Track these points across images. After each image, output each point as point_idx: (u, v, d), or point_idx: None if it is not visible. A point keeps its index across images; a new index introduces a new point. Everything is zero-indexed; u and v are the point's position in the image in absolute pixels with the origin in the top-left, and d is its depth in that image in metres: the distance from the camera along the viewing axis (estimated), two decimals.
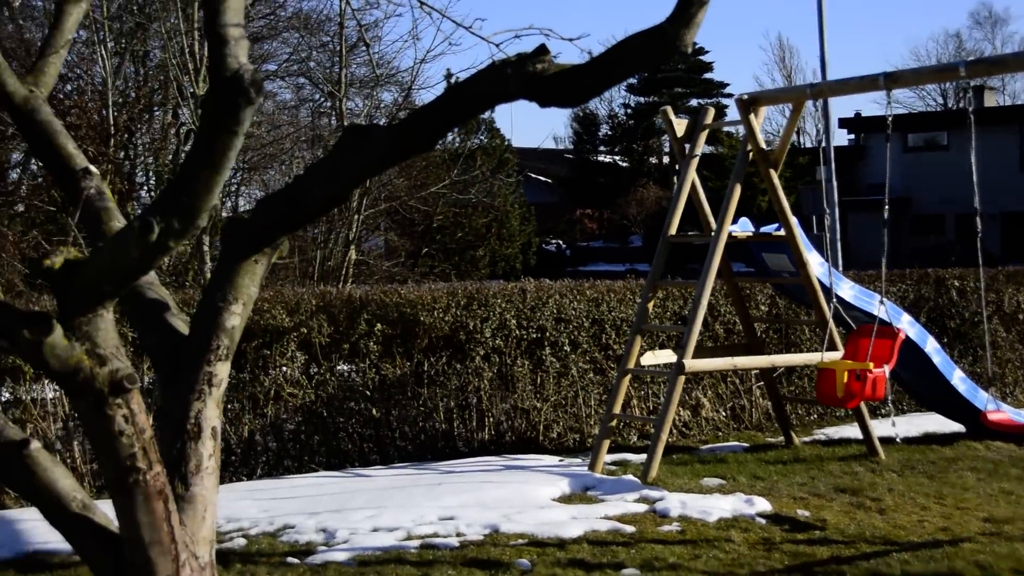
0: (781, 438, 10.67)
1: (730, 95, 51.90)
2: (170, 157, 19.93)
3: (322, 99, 24.94)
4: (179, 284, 15.99)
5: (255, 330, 9.65)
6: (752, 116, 9.49)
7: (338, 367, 10.26)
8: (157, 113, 21.17)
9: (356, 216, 19.91)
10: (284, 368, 9.98)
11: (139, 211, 18.04)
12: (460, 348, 10.52)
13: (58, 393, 8.90)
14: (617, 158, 55.00)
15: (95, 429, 4.02)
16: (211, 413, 4.48)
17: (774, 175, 9.63)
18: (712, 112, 10.03)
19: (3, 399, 8.82)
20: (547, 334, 10.82)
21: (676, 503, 8.01)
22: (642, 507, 8.04)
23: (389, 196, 23.13)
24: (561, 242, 48.78)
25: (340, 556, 6.93)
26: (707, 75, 53.77)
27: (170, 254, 3.98)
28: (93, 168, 4.86)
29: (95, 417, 3.96)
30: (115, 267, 3.90)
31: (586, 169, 53.88)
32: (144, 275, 4.33)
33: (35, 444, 4.15)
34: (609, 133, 55.82)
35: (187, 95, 16.84)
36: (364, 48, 22.08)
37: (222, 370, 4.53)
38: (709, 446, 10.59)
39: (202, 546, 4.28)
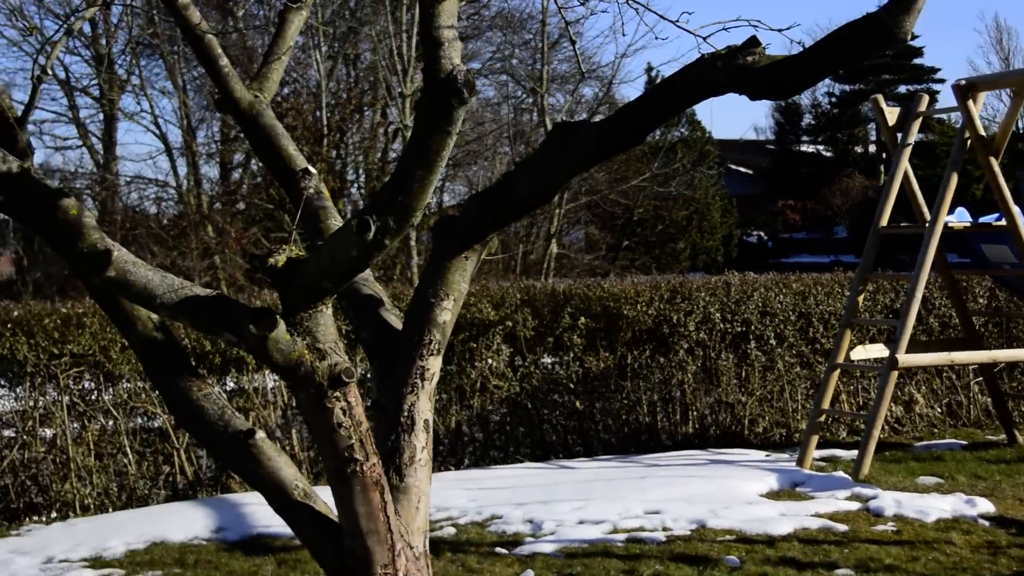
0: (1003, 436, 10.17)
1: (941, 80, 49.59)
2: (379, 155, 20.55)
3: (524, 95, 25.20)
4: (387, 278, 16.49)
5: (462, 323, 9.84)
6: (970, 102, 9.07)
7: (542, 360, 10.37)
8: (367, 113, 21.81)
9: (557, 210, 20.06)
10: (490, 360, 10.15)
11: (350, 208, 18.69)
12: (663, 341, 10.46)
13: (278, 383, 9.32)
14: (821, 148, 53.41)
15: (315, 421, 4.17)
16: (424, 406, 4.59)
17: (994, 163, 9.19)
18: (926, 99, 9.65)
19: (228, 388, 9.28)
20: (752, 328, 10.64)
21: (890, 502, 7.75)
22: (854, 505, 7.82)
23: (590, 190, 23.20)
24: (763, 234, 47.76)
25: (547, 548, 7.01)
26: (917, 60, 51.54)
27: (386, 251, 4.10)
28: (312, 168, 5.05)
29: (315, 409, 4.11)
30: (334, 265, 4.02)
31: (788, 159, 52.53)
32: (361, 272, 4.48)
33: (260, 434, 4.34)
34: (812, 123, 54.23)
35: (395, 95, 17.33)
36: (566, 44, 22.22)
37: (434, 364, 4.64)
38: (924, 443, 10.19)
39: (416, 536, 4.40)
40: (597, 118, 14.33)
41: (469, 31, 23.38)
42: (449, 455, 9.96)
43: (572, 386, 10.26)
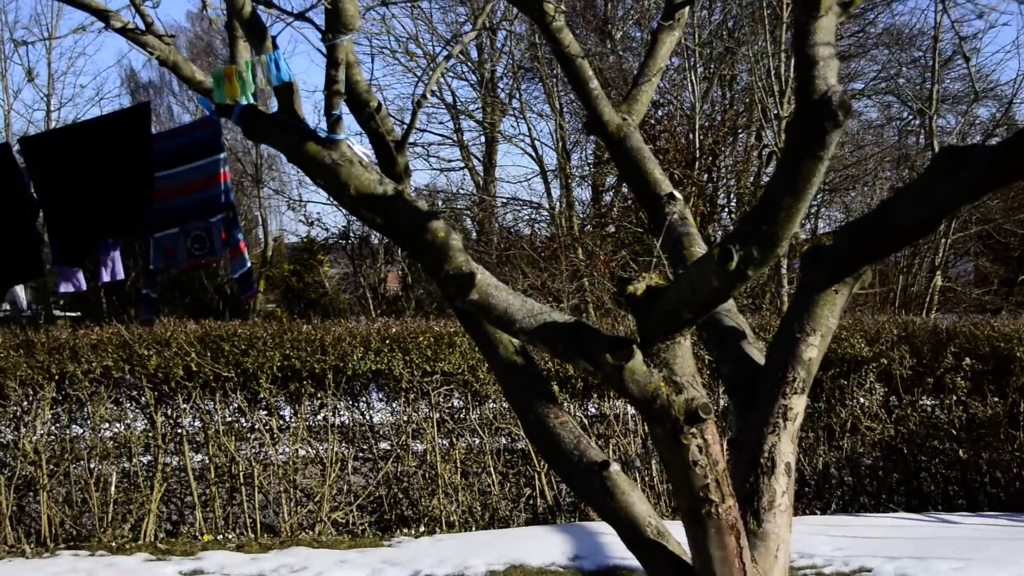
0: None
1: None
2: (751, 179, 20.14)
3: (910, 117, 23.88)
4: (755, 307, 16.06)
5: (832, 359, 9.39)
6: None
7: (920, 402, 9.69)
8: (741, 135, 21.46)
9: (943, 240, 18.84)
10: (861, 400, 9.62)
11: (720, 233, 18.41)
12: None
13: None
14: None
15: (669, 457, 4.00)
16: (785, 448, 4.31)
17: None
18: None
19: (590, 413, 9.31)
20: None
21: None
22: None
23: (981, 219, 21.60)
24: None
25: None
26: None
27: (749, 282, 3.86)
28: (677, 194, 4.90)
29: (669, 445, 3.94)
30: (694, 295, 3.85)
31: None
32: (722, 303, 4.26)
33: (615, 467, 4.22)
34: None
35: (771, 117, 16.90)
36: (959, 61, 20.84)
37: (797, 403, 4.34)
38: None
39: None
40: (993, 141, 13.27)
41: (852, 49, 22.48)
42: (815, 498, 9.50)
43: (954, 432, 9.51)
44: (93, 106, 29.66)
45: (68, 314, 25.28)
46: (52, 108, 27.56)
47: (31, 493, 9.20)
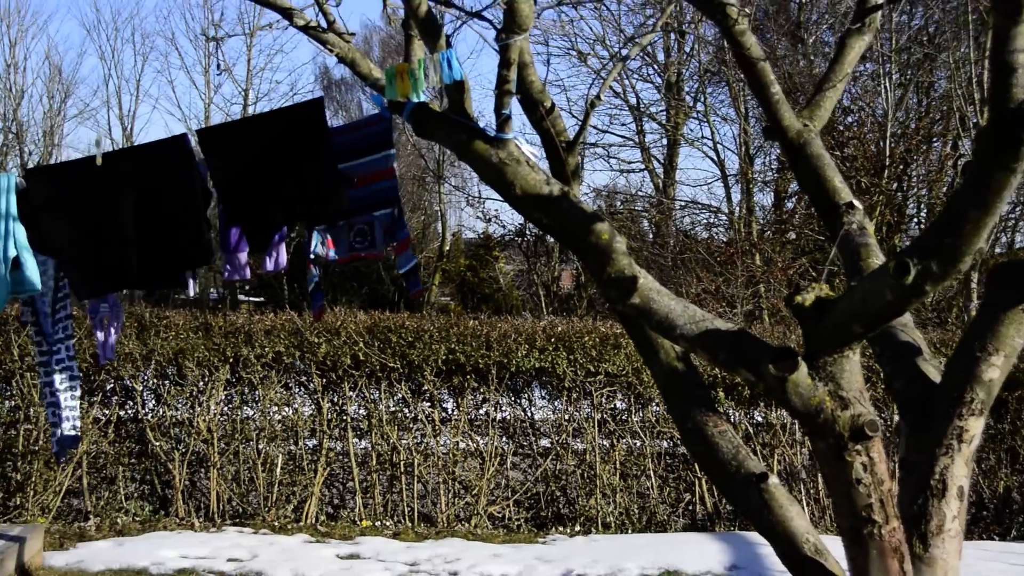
0: None
1: None
2: (944, 190, 19.36)
3: None
4: (941, 321, 15.43)
5: (1019, 379, 8.93)
6: None
7: None
8: (936, 144, 20.65)
9: None
10: None
11: (907, 243, 17.71)
12: None
13: None
14: None
15: (831, 474, 3.87)
16: (958, 471, 4.11)
17: None
18: None
19: (755, 422, 9.11)
20: None
21: None
22: None
23: None
24: None
25: None
26: None
27: (926, 298, 3.69)
28: (857, 203, 4.73)
29: (832, 461, 3.81)
30: (866, 308, 3.71)
31: None
32: (896, 317, 4.09)
33: (773, 479, 4.11)
34: None
35: (969, 126, 16.22)
36: None
37: (974, 425, 4.14)
38: None
39: None
40: None
41: None
42: (993, 522, 9.06)
43: None
44: (287, 100, 30.76)
45: (252, 299, 26.30)
46: (249, 102, 28.72)
47: (202, 469, 9.60)
